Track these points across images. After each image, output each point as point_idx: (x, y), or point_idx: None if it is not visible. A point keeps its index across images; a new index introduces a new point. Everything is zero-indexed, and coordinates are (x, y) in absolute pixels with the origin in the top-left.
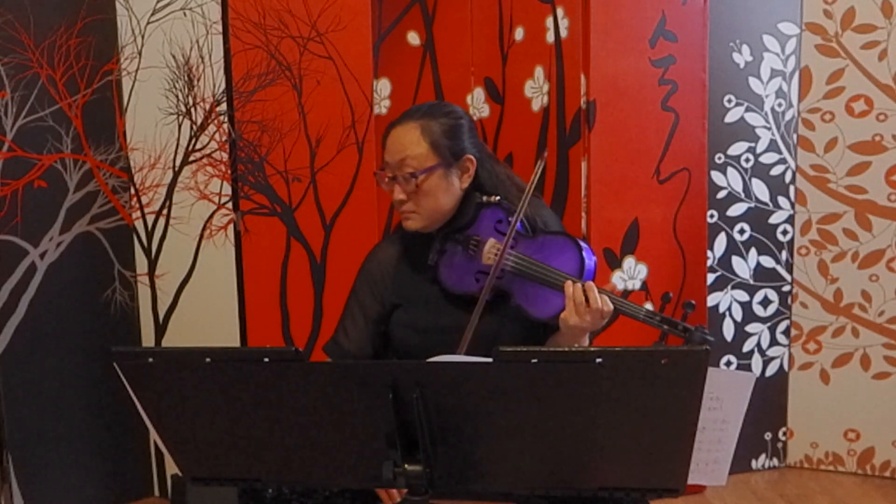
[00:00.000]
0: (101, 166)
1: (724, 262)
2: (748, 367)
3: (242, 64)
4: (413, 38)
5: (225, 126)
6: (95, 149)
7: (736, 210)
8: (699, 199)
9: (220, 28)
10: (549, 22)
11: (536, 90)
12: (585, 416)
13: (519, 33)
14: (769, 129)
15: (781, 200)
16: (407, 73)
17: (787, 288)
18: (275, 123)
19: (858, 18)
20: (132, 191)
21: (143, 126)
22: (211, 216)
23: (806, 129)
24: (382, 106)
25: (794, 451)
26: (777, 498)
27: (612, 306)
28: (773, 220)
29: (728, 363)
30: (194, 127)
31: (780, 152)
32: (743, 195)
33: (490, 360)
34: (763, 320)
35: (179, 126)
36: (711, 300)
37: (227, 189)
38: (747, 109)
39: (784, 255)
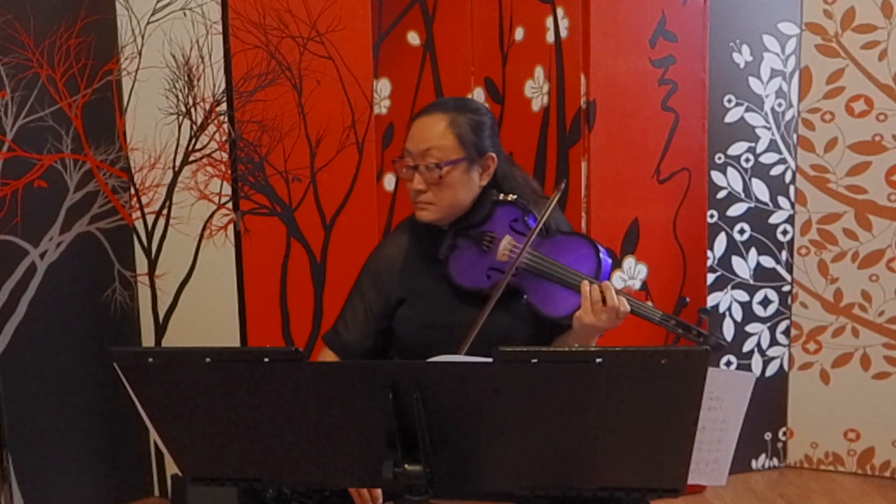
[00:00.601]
0: (101, 166)
1: (724, 262)
2: (748, 367)
3: (242, 64)
4: (413, 38)
5: (225, 126)
6: (95, 149)
7: (736, 210)
8: (699, 199)
9: (220, 28)
10: (549, 22)
11: (536, 90)
12: (585, 416)
13: (519, 33)
14: (769, 129)
15: (781, 200)
16: (407, 73)
17: (787, 288)
18: (275, 123)
19: (858, 18)
20: (132, 191)
21: (143, 126)
22: (211, 216)
23: (806, 129)
24: (382, 106)
25: (794, 451)
26: (777, 498)
27: (628, 307)
28: (773, 220)
29: (728, 363)
30: (194, 127)
31: (780, 152)
32: (743, 195)
33: (490, 359)
34: (763, 320)
35: (179, 126)
36: (711, 300)
37: (227, 189)
38: (747, 109)
39: (784, 255)
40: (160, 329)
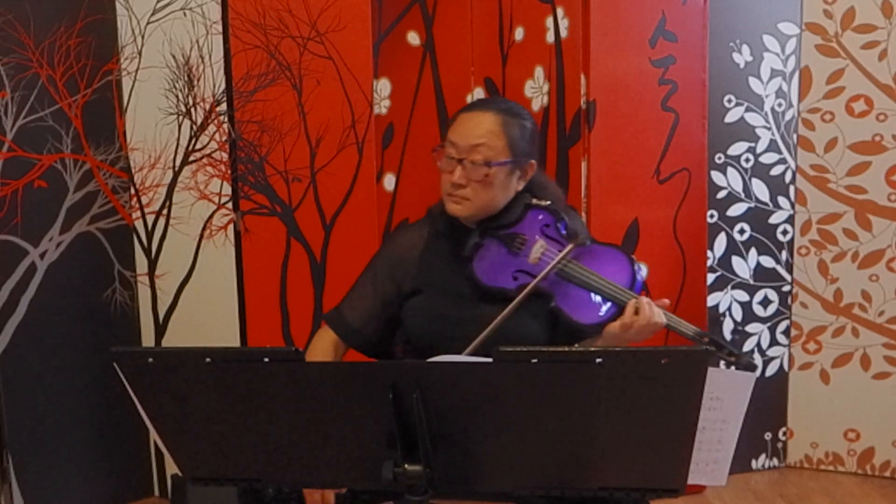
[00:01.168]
0: (101, 166)
1: (724, 262)
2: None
3: (242, 64)
4: (413, 38)
5: (225, 126)
6: (95, 149)
7: (736, 210)
8: (699, 199)
9: (220, 28)
10: (549, 22)
11: (536, 90)
12: (585, 416)
13: (519, 33)
14: (769, 129)
15: (781, 200)
16: (407, 73)
17: (787, 288)
18: (275, 123)
19: (858, 18)
20: (132, 191)
21: (143, 126)
22: (211, 216)
23: (806, 129)
24: (382, 106)
25: (794, 451)
26: (777, 498)
27: (664, 320)
28: (773, 220)
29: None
30: (194, 127)
31: (780, 152)
32: (743, 195)
33: (490, 360)
34: (763, 320)
35: (179, 126)
36: (711, 300)
37: (227, 189)
38: (747, 109)
39: (784, 255)
40: (160, 329)
